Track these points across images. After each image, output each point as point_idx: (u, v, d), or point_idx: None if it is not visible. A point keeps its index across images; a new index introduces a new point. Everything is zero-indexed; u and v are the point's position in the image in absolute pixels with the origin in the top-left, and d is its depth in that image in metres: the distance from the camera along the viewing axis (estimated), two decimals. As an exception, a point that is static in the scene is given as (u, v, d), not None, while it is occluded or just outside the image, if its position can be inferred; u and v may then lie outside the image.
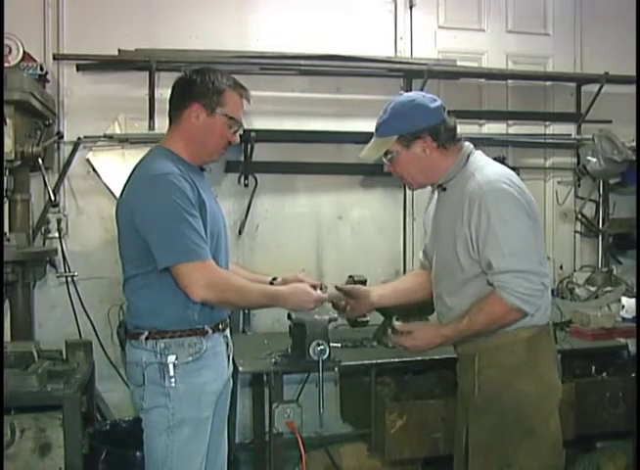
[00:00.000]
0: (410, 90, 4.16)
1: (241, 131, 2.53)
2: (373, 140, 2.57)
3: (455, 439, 2.65)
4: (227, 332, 2.57)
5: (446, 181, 2.51)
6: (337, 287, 2.76)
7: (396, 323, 2.63)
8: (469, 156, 2.50)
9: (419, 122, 2.45)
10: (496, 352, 2.43)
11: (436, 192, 2.60)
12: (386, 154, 2.50)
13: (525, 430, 2.40)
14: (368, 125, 4.08)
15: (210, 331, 2.43)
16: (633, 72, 4.46)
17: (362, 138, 4.06)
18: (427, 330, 2.54)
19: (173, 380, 2.35)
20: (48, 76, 3.70)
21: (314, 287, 2.57)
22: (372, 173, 4.23)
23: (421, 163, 2.48)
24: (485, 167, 2.45)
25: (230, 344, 2.59)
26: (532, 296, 2.32)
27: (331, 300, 2.73)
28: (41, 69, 3.57)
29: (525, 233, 2.36)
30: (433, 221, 2.62)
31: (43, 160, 3.40)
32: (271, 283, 2.69)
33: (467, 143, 2.55)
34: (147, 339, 2.37)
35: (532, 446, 2.41)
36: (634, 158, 4.20)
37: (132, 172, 2.43)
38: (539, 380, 2.43)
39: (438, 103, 2.48)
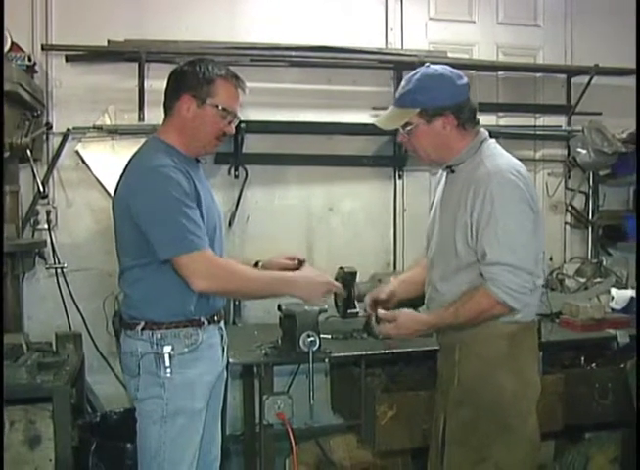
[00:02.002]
0: (400, 82, 4.14)
1: (236, 121, 2.51)
2: (392, 109, 2.52)
3: (433, 427, 2.65)
4: (222, 324, 2.58)
5: (456, 164, 2.48)
6: (372, 301, 2.71)
7: (380, 312, 2.61)
8: (482, 142, 2.47)
9: (444, 98, 2.40)
10: (477, 345, 2.42)
11: (445, 174, 2.58)
12: (404, 126, 2.45)
13: (501, 425, 2.39)
14: (359, 117, 4.19)
15: (206, 322, 2.45)
16: (623, 64, 4.47)
17: (353, 129, 4.14)
18: (411, 318, 2.52)
19: (169, 370, 2.36)
20: (36, 67, 3.67)
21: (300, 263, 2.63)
22: (363, 165, 4.24)
23: (438, 139, 2.44)
24: (496, 156, 2.42)
25: (225, 336, 2.60)
26: (521, 293, 2.31)
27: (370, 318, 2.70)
28: (29, 59, 3.54)
29: (527, 229, 2.34)
30: (437, 204, 2.59)
31: (32, 151, 3.37)
32: (255, 266, 2.70)
33: (483, 129, 2.52)
34: (143, 329, 2.38)
35: (509, 442, 2.39)
36: (624, 149, 4.21)
37: (127, 164, 2.43)
38: (518, 376, 2.41)
39: (465, 80, 2.45)
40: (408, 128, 2.45)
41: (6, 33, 3.41)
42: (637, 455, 2.92)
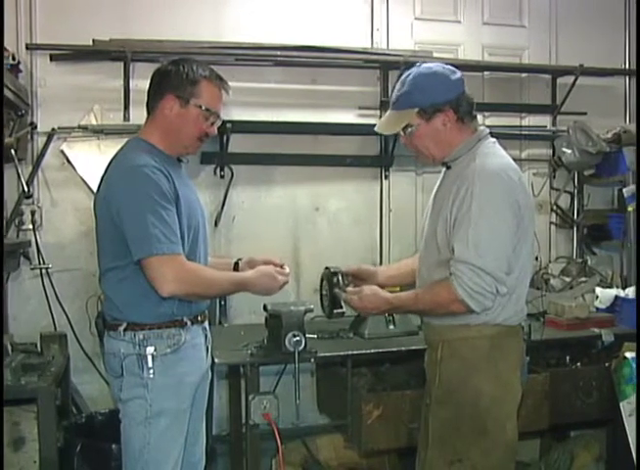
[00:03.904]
0: (386, 81, 4.18)
1: (219, 123, 2.51)
2: (390, 113, 2.52)
3: (421, 423, 2.66)
4: (206, 324, 2.58)
5: (452, 160, 2.48)
6: (343, 272, 2.75)
7: (349, 289, 2.65)
8: (480, 140, 2.47)
9: (441, 95, 2.41)
10: (458, 345, 2.43)
11: (443, 170, 2.58)
12: (404, 127, 2.46)
13: (478, 428, 2.39)
14: (344, 117, 4.19)
15: (189, 323, 2.44)
16: (608, 65, 4.51)
17: (339, 129, 4.14)
18: (374, 293, 2.54)
19: (152, 371, 2.35)
20: (21, 66, 3.65)
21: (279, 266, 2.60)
22: (349, 165, 4.24)
23: (439, 136, 2.45)
24: (489, 156, 2.41)
25: (209, 336, 2.59)
26: (481, 295, 2.29)
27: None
28: (13, 58, 3.51)
29: (501, 233, 2.32)
30: (432, 198, 2.60)
31: (16, 151, 3.36)
32: (236, 264, 2.71)
33: (482, 127, 2.53)
34: (125, 330, 2.37)
35: (485, 446, 2.40)
36: (608, 149, 4.23)
37: (109, 164, 2.42)
38: (498, 380, 2.41)
39: (459, 75, 2.45)
40: (409, 130, 2.46)
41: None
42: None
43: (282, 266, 2.63)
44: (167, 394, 2.37)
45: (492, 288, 2.30)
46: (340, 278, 2.73)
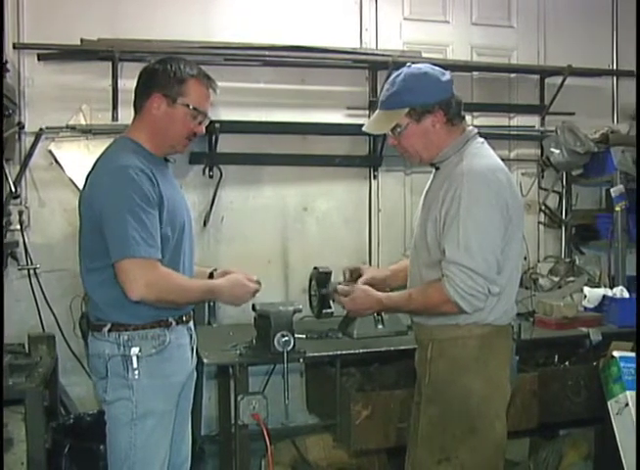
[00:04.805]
0: (375, 81, 4.19)
1: (207, 122, 2.49)
2: (379, 113, 2.51)
3: (410, 424, 2.66)
4: (191, 324, 2.56)
5: (440, 161, 2.48)
6: (351, 271, 2.76)
7: (339, 286, 2.66)
8: (469, 140, 2.46)
9: (431, 96, 2.41)
10: (448, 345, 2.44)
11: (433, 171, 2.57)
12: (393, 128, 2.45)
13: (467, 427, 2.40)
14: (333, 117, 4.19)
15: (174, 323, 2.43)
16: (596, 65, 4.53)
17: (328, 129, 4.14)
18: (366, 293, 2.55)
19: (137, 372, 2.34)
20: (8, 66, 3.62)
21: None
22: (337, 165, 4.24)
23: (428, 136, 2.44)
24: (477, 157, 2.41)
25: (194, 336, 2.58)
26: (473, 296, 2.30)
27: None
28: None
29: (490, 233, 2.32)
30: (422, 200, 2.60)
31: (3, 151, 3.34)
32: (211, 274, 2.68)
33: (470, 128, 2.53)
34: (110, 331, 2.35)
35: (474, 444, 2.40)
36: (596, 149, 4.25)
37: (95, 163, 2.40)
38: (487, 379, 2.42)
39: (448, 76, 2.45)
40: (398, 130, 2.46)
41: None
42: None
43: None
44: (153, 395, 2.36)
45: (484, 289, 2.31)
46: (332, 289, 2.72)
